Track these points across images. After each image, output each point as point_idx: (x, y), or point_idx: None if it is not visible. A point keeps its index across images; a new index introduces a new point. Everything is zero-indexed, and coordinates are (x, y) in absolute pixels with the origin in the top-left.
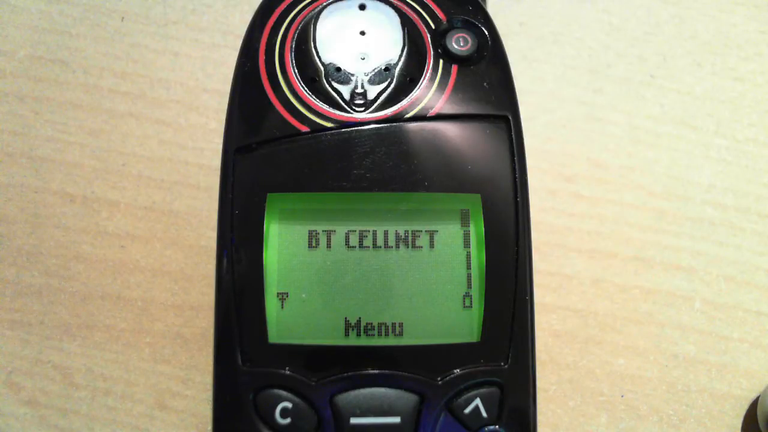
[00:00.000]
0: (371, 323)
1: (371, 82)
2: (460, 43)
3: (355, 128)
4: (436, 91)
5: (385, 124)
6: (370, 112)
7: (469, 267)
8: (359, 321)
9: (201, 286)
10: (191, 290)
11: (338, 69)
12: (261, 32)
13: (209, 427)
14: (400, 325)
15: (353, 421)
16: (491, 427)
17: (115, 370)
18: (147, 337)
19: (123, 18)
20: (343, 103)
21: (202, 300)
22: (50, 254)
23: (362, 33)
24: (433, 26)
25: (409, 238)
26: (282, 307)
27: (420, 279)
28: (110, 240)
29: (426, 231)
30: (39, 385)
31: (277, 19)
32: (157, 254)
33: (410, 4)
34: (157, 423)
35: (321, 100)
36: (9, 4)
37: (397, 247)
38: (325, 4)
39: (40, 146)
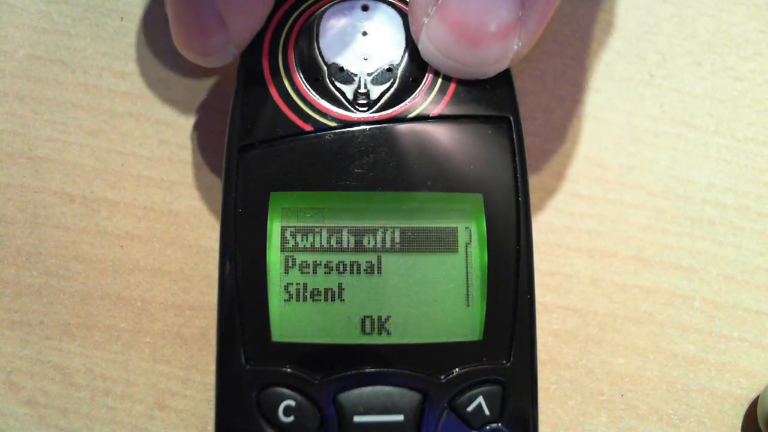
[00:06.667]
0: (374, 322)
1: (374, 82)
2: None
3: (359, 128)
4: (438, 92)
5: (388, 124)
6: (373, 112)
7: (471, 266)
8: (362, 319)
9: (201, 286)
10: (191, 290)
11: (341, 69)
12: (264, 32)
13: (209, 427)
14: (403, 323)
15: (356, 419)
16: (494, 425)
17: (114, 370)
18: (147, 337)
19: (123, 18)
20: (346, 103)
21: (201, 300)
22: (50, 254)
23: (365, 34)
24: None
25: (412, 237)
26: (285, 306)
27: (422, 278)
28: (110, 240)
29: (428, 230)
30: (39, 385)
31: (281, 19)
32: (156, 254)
33: None
34: (157, 423)
35: (324, 100)
36: (8, 4)
37: (400, 246)
38: (328, 4)
39: (40, 146)
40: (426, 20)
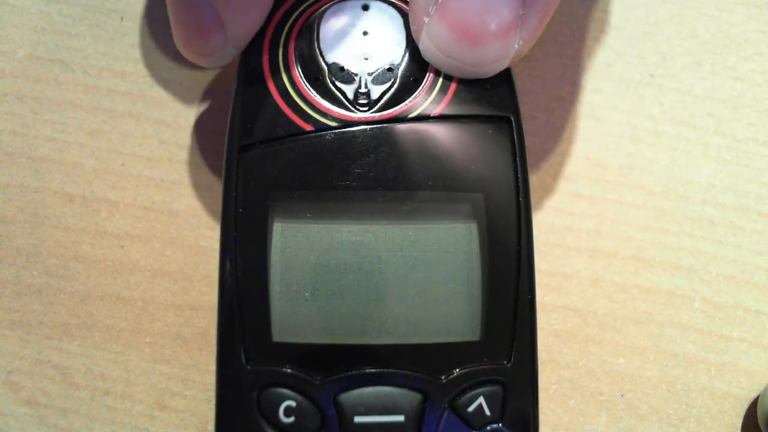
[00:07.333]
0: (374, 322)
1: (375, 81)
2: None
3: (359, 128)
4: (438, 91)
5: (389, 124)
6: (374, 112)
7: (471, 266)
8: (363, 320)
9: (201, 286)
10: (191, 290)
11: (342, 68)
12: (264, 31)
13: (209, 427)
14: (404, 323)
15: (357, 419)
16: (494, 426)
17: (114, 370)
18: (147, 337)
19: (123, 18)
20: (347, 103)
21: (201, 300)
22: (50, 254)
23: (365, 33)
24: None
25: (412, 236)
26: (286, 306)
27: (423, 277)
28: (110, 240)
29: (428, 229)
30: (39, 385)
31: (281, 19)
32: (156, 254)
33: None
34: (157, 423)
35: (325, 100)
36: (8, 4)
37: (401, 245)
38: (328, 4)
39: (40, 146)
40: (426, 20)
